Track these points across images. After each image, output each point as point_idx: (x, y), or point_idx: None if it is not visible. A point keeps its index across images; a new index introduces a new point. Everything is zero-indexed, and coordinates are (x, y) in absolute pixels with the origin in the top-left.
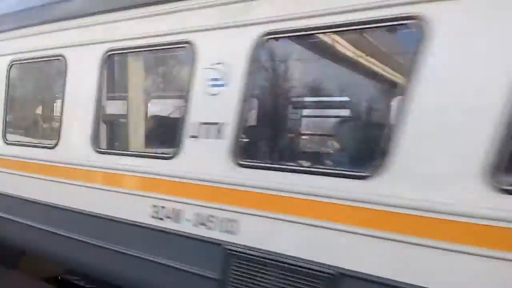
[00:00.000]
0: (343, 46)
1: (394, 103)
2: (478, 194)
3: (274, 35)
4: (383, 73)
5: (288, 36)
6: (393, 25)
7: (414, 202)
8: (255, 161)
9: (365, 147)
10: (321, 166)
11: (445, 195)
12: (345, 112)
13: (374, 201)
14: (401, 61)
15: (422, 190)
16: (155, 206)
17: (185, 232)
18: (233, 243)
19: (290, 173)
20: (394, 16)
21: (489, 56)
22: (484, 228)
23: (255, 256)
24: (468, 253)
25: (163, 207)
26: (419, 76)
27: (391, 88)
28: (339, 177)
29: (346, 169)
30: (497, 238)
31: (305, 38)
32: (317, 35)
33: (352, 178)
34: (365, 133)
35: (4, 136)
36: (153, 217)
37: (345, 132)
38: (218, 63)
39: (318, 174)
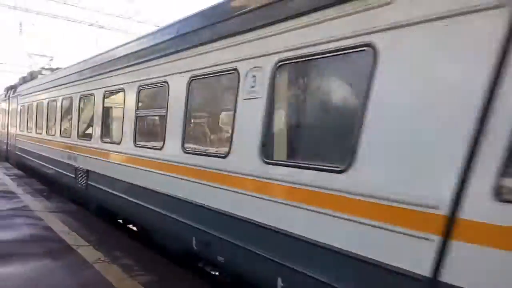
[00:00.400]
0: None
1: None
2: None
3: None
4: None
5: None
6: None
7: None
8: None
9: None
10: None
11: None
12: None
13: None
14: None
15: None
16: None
17: (69, 163)
18: (76, 166)
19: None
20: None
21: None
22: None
23: (80, 169)
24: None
25: (63, 155)
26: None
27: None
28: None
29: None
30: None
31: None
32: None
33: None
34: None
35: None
36: (61, 158)
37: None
38: None
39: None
